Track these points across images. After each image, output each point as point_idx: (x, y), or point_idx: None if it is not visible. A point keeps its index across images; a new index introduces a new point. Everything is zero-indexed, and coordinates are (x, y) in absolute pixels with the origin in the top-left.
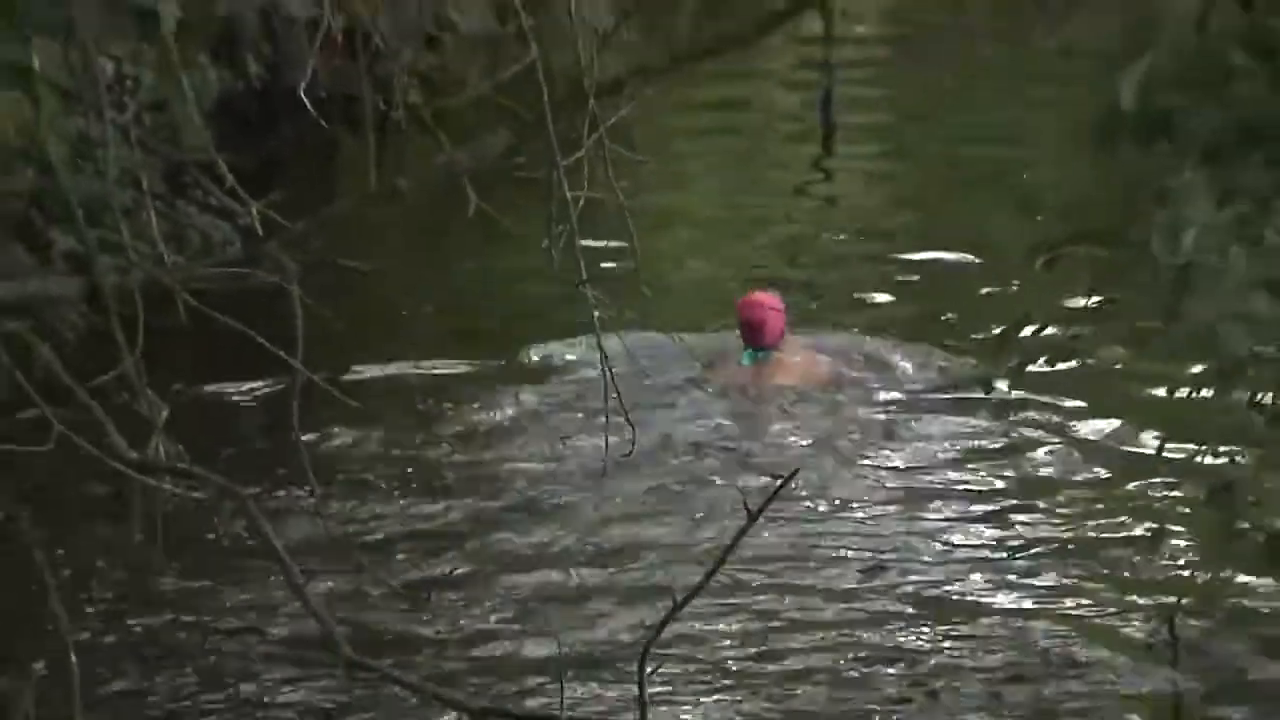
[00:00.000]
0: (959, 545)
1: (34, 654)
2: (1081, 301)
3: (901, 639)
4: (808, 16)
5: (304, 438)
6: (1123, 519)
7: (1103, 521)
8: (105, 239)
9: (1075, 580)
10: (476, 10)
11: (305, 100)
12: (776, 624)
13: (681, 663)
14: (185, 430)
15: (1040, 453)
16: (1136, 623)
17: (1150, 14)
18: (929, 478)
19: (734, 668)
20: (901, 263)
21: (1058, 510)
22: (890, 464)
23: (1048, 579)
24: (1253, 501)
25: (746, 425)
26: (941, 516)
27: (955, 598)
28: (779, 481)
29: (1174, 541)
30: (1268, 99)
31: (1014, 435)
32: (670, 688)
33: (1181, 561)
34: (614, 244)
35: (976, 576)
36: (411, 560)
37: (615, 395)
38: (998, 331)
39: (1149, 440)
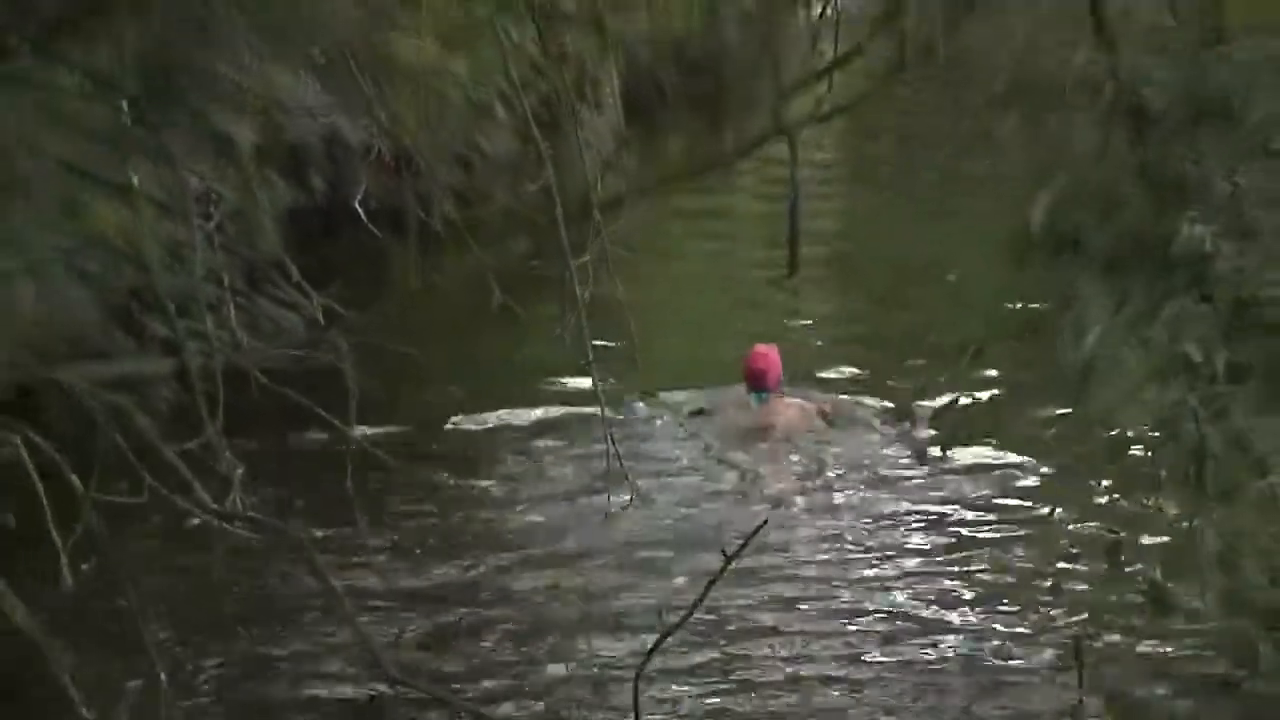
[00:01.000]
0: (894, 575)
1: (127, 677)
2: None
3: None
4: (776, 144)
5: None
6: (1032, 559)
7: (1022, 557)
8: (192, 327)
9: (992, 604)
10: (501, 137)
11: (359, 211)
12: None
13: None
14: (258, 484)
15: (969, 501)
16: (1049, 649)
17: (1058, 149)
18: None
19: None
20: (856, 340)
21: (980, 549)
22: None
23: (969, 601)
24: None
25: (753, 454)
26: (888, 545)
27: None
28: (756, 528)
29: (1077, 585)
30: (1154, 221)
31: (947, 487)
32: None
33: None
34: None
35: (907, 600)
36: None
37: (615, 449)
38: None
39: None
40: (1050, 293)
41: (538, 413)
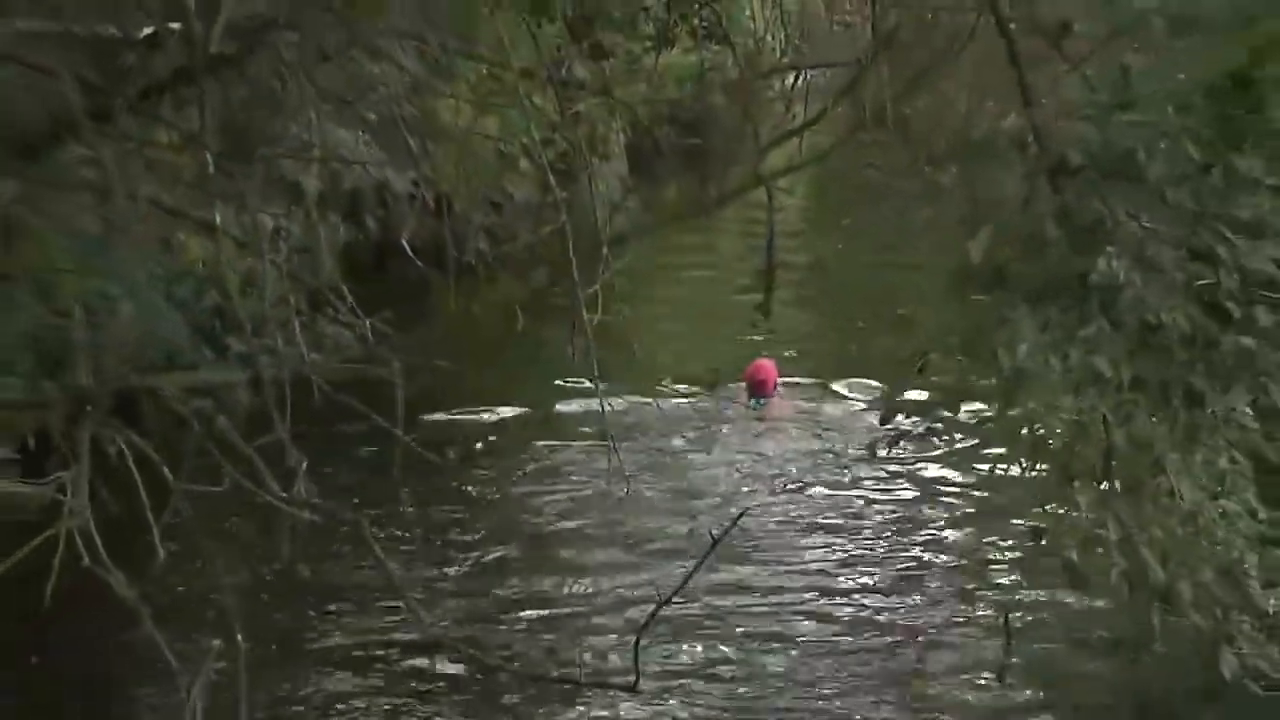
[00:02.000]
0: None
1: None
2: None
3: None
4: (755, 191)
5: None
6: (970, 540)
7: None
8: (264, 343)
9: (935, 578)
10: (525, 185)
11: (406, 247)
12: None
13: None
14: (318, 476)
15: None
16: (982, 616)
17: (992, 197)
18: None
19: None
20: (821, 354)
21: (927, 530)
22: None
23: (917, 575)
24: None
25: (753, 447)
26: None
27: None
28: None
29: (1009, 577)
30: (1070, 260)
31: (899, 479)
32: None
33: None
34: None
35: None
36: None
37: (613, 440)
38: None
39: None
40: (986, 317)
41: (555, 409)
